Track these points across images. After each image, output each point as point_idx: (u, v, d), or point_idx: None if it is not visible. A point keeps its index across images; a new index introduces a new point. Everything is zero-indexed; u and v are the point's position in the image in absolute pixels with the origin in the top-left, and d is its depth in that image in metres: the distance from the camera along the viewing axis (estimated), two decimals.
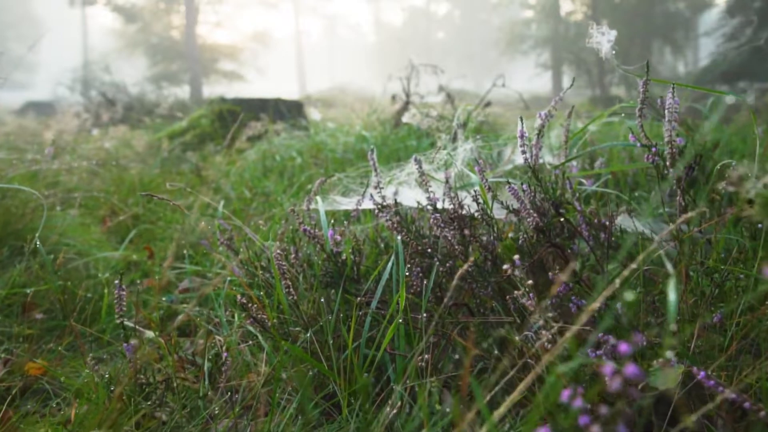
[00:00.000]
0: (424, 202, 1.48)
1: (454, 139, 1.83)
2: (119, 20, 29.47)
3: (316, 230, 1.32)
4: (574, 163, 2.55)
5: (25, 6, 50.08)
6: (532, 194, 1.25)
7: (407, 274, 1.30)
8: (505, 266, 0.70)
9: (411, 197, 1.67)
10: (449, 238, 1.20)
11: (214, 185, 3.48)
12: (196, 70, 26.71)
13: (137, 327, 1.53)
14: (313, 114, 2.54)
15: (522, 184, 1.30)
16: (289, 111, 6.88)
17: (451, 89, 5.75)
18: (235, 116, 6.79)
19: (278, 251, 1.17)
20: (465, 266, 0.78)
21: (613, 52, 1.44)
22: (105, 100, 10.36)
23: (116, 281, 1.14)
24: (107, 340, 1.54)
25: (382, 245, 1.54)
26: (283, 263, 1.16)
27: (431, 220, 1.18)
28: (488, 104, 4.83)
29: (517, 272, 0.70)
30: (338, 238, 1.30)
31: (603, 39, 1.43)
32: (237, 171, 4.00)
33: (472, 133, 2.02)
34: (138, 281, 2.26)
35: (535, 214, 1.13)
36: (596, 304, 0.65)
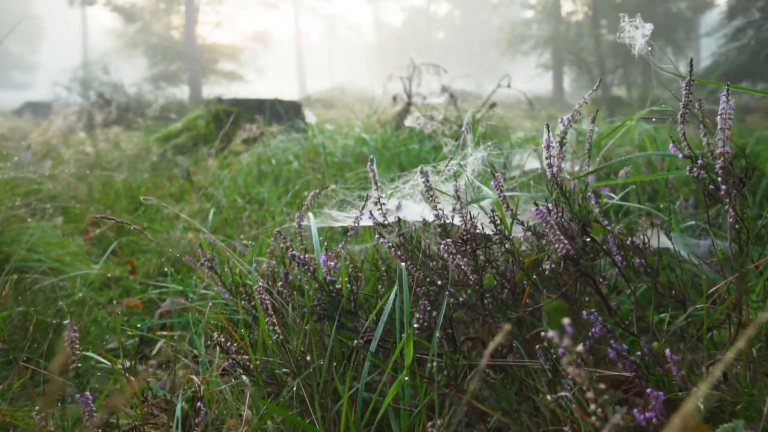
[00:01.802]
0: (431, 219, 1.31)
1: (463, 146, 1.66)
2: (119, 20, 29.29)
3: (307, 255, 1.13)
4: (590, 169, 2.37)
5: (25, 6, 49.94)
6: (559, 214, 1.07)
7: (411, 308, 1.12)
8: (550, 333, 0.52)
9: (416, 212, 1.49)
10: (462, 267, 1.02)
11: (205, 191, 3.30)
12: (196, 70, 26.52)
13: (103, 362, 1.35)
14: (309, 117, 2.36)
15: (547, 202, 1.12)
16: (286, 112, 6.70)
17: (453, 90, 5.57)
18: (232, 117, 6.60)
19: (261, 283, 0.99)
20: (498, 338, 0.59)
21: (649, 48, 1.26)
22: (100, 101, 10.17)
23: (66, 321, 0.95)
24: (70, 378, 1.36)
25: (383, 268, 1.36)
26: (267, 298, 0.98)
27: (442, 246, 1.00)
28: (493, 105, 4.65)
29: (566, 340, 0.52)
30: (332, 264, 1.12)
31: (637, 33, 1.25)
32: (230, 175, 3.82)
33: (480, 138, 1.84)
34: (117, 300, 2.07)
35: (565, 241, 0.95)
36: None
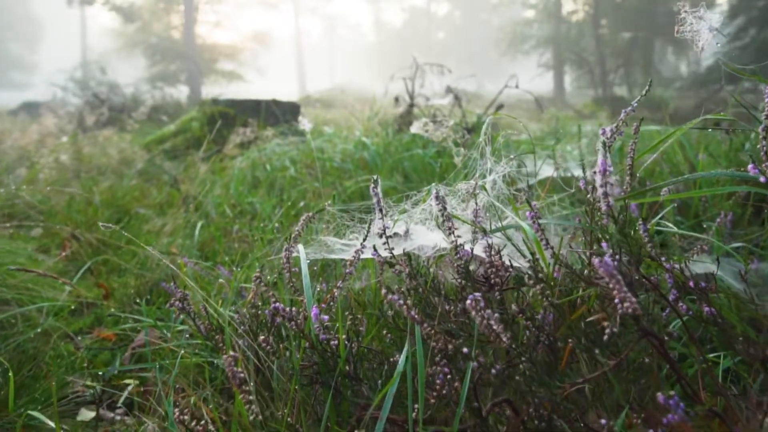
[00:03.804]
0: (447, 248, 1.08)
1: (481, 156, 1.43)
2: (118, 20, 29.05)
3: (297, 297, 0.90)
4: (612, 179, 2.13)
5: (25, 6, 49.64)
6: (616, 257, 0.84)
7: (427, 367, 0.89)
8: None
9: (428, 239, 1.26)
10: (494, 326, 0.79)
11: (193, 201, 3.06)
12: (195, 70, 26.29)
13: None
14: (303, 123, 2.14)
15: (593, 237, 0.89)
16: (284, 113, 6.47)
17: (457, 90, 5.33)
18: (227, 119, 6.37)
19: (233, 354, 0.76)
20: None
21: (718, 44, 1.03)
22: (95, 101, 9.93)
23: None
24: None
25: (390, 312, 1.12)
26: (242, 372, 0.75)
27: (468, 302, 0.77)
28: (500, 107, 4.42)
29: None
30: (326, 318, 0.89)
31: (702, 26, 1.02)
32: (223, 182, 3.59)
33: (499, 149, 1.61)
34: (87, 330, 1.84)
35: (633, 299, 0.72)
36: None
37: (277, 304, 0.85)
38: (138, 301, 1.80)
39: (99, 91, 13.90)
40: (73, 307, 1.88)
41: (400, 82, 5.28)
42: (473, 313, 0.79)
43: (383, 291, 0.76)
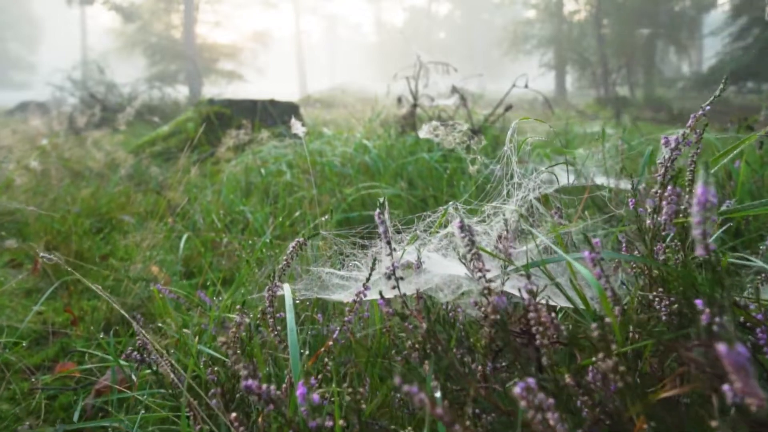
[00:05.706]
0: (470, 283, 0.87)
1: (507, 164, 1.20)
2: (118, 20, 28.83)
3: (272, 386, 0.67)
4: (652, 193, 1.89)
5: (24, 6, 49.44)
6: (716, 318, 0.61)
7: None
8: None
9: (448, 271, 1.04)
10: (551, 422, 0.56)
11: (182, 209, 2.83)
12: (195, 69, 26.07)
13: None
14: (296, 127, 1.89)
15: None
16: (282, 114, 6.24)
17: (462, 91, 5.09)
18: (224, 119, 6.15)
19: None
20: None
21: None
22: (90, 101, 9.69)
23: None
24: None
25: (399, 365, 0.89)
26: None
27: (518, 390, 0.54)
28: (509, 107, 4.20)
29: None
30: (317, 399, 0.66)
31: None
32: (214, 188, 3.36)
33: (524, 155, 1.40)
34: (48, 366, 1.62)
35: (761, 395, 0.49)
36: None
37: (250, 382, 0.63)
38: (109, 329, 1.57)
39: (96, 90, 13.68)
40: (28, 339, 1.65)
41: (402, 82, 5.05)
42: (523, 403, 0.56)
43: (396, 380, 0.53)
